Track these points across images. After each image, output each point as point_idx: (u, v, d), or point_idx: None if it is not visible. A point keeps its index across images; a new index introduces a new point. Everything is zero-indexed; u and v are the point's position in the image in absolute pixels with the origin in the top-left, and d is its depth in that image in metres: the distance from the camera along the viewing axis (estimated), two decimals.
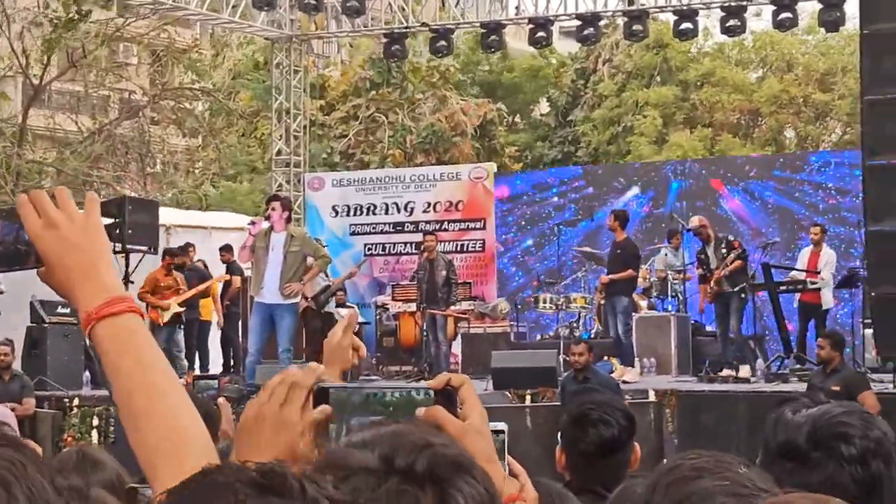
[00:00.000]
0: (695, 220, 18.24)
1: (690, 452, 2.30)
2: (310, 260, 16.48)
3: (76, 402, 15.96)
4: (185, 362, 19.11)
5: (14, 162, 33.64)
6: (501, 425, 2.55)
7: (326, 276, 19.66)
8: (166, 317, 18.48)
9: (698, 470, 2.11)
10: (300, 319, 17.80)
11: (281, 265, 15.69)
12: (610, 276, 18.03)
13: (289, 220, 16.09)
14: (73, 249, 2.13)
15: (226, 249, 20.79)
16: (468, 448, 2.15)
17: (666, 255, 20.80)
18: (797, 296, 18.66)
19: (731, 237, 17.99)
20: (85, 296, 2.12)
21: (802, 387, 14.16)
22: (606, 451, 4.57)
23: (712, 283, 17.47)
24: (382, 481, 1.69)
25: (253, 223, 16.18)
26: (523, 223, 25.44)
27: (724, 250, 17.36)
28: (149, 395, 2.05)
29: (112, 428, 14.83)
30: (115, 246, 14.57)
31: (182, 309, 18.81)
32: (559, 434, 4.80)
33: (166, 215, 22.34)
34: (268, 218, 15.95)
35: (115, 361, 2.08)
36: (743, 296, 17.48)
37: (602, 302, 19.60)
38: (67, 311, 17.59)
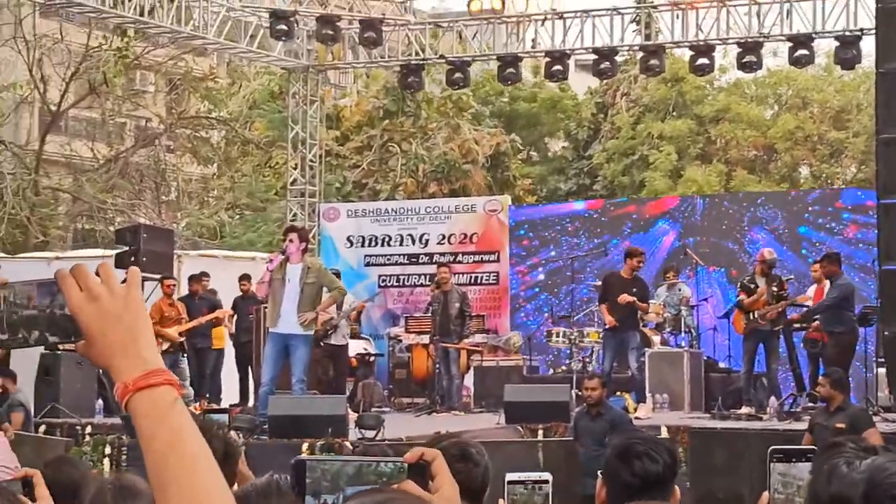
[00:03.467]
0: (768, 253, 18.10)
1: None
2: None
3: (88, 429, 15.96)
4: (190, 391, 19.11)
5: (30, 187, 33.76)
6: (546, 475, 2.56)
7: (338, 308, 19.64)
8: (165, 345, 18.51)
9: None
10: None
11: (298, 296, 15.65)
12: (635, 299, 17.88)
13: (305, 251, 16.06)
14: (114, 322, 2.15)
15: (244, 279, 20.80)
16: None
17: (666, 290, 20.73)
18: (803, 335, 18.65)
19: (783, 277, 17.88)
20: (123, 368, 2.15)
21: None
22: (650, 485, 4.56)
23: (758, 314, 17.31)
24: None
25: (270, 261, 16.13)
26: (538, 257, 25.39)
27: (774, 288, 17.24)
28: (181, 468, 2.07)
29: (124, 456, 14.82)
30: None
31: (182, 338, 18.83)
32: (600, 472, 4.79)
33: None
34: (283, 252, 15.92)
35: (150, 432, 2.11)
36: (778, 336, 17.43)
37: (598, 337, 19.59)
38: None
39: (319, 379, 19.35)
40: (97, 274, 2.19)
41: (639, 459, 4.56)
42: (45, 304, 2.18)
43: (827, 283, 18.45)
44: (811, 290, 18.91)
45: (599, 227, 24.85)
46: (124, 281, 2.20)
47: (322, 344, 19.48)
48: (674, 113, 41.50)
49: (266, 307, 16.86)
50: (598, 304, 19.31)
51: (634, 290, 18.07)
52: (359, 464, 2.27)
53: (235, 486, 6.52)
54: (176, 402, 2.15)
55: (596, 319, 20.81)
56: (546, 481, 2.52)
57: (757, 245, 22.33)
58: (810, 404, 16.94)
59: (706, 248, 23.37)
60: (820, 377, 14.51)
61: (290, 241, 15.88)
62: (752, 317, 17.28)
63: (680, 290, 20.53)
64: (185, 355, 19.11)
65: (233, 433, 7.73)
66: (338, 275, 19.90)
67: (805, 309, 18.14)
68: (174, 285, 19.30)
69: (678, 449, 14.77)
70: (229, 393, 20.39)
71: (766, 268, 17.65)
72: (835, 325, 17.04)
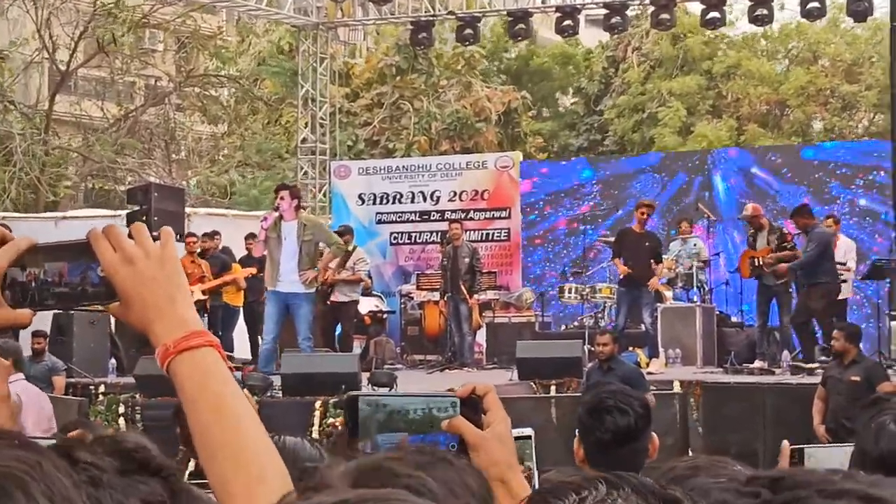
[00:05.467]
0: (749, 209, 17.99)
1: (684, 457, 2.30)
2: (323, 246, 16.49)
3: (102, 388, 16.01)
4: None
5: (40, 148, 33.76)
6: (528, 431, 2.58)
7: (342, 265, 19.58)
8: None
9: (694, 469, 2.12)
10: None
11: (297, 255, 15.67)
12: (657, 279, 18.03)
13: (298, 207, 16.03)
14: (150, 284, 2.13)
15: (250, 237, 20.80)
16: (489, 456, 2.24)
17: (680, 244, 20.71)
18: None
19: (785, 229, 17.75)
20: (163, 330, 2.12)
21: None
22: (622, 439, 4.58)
23: (757, 260, 17.20)
24: None
25: (265, 219, 16.14)
26: (548, 212, 25.44)
27: (776, 240, 17.16)
28: (225, 429, 2.06)
29: (138, 416, 14.86)
30: None
31: (206, 297, 18.80)
32: (578, 427, 4.82)
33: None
34: (277, 209, 15.92)
35: (193, 395, 2.09)
36: (790, 290, 17.33)
37: (610, 292, 19.60)
38: None
39: (325, 337, 19.38)
40: (130, 235, 2.16)
41: (609, 414, 4.59)
42: (77, 281, 2.15)
43: (841, 237, 18.46)
44: None
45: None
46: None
47: (329, 302, 19.50)
48: (684, 69, 41.36)
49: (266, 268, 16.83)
50: (611, 259, 19.29)
51: (647, 244, 18.11)
52: (409, 409, 2.28)
53: None
54: (218, 364, 2.12)
55: (608, 275, 20.81)
56: (529, 436, 2.53)
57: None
58: (823, 358, 16.92)
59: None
60: (834, 331, 14.46)
61: (282, 198, 15.87)
62: (756, 262, 17.19)
63: (695, 244, 20.48)
64: (206, 314, 19.07)
65: (246, 391, 7.66)
66: (345, 231, 19.93)
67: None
68: (197, 242, 19.27)
69: (690, 402, 14.81)
70: (240, 352, 20.41)
71: (753, 223, 17.61)
72: (819, 276, 16.85)
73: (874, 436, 2.55)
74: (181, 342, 2.10)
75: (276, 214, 15.83)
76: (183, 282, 2.18)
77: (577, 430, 4.79)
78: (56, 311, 2.17)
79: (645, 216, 18.42)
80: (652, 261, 18.25)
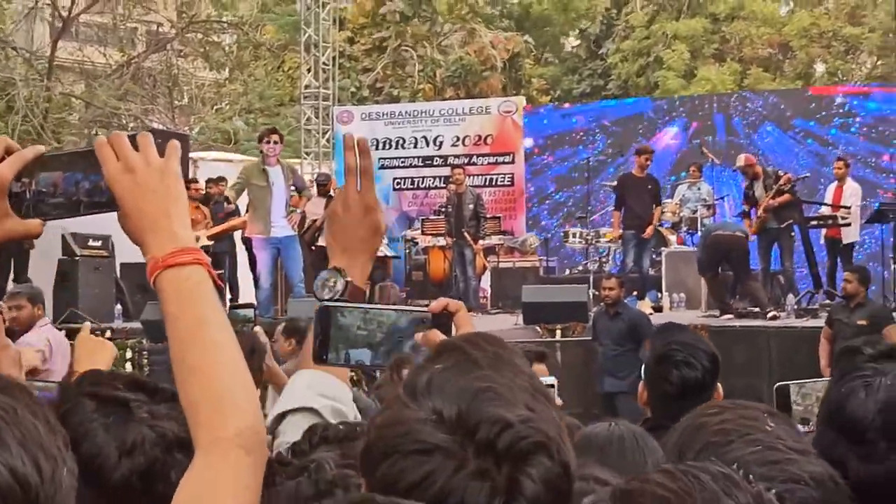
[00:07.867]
0: (741, 159, 17.95)
1: (712, 407, 2.29)
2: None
3: (108, 334, 15.91)
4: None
5: (43, 94, 33.64)
6: (551, 380, 2.62)
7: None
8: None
9: (725, 433, 2.10)
10: None
11: (284, 199, 15.84)
12: (653, 227, 18.06)
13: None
14: (147, 195, 2.10)
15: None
16: None
17: (687, 188, 20.72)
18: (823, 231, 18.60)
19: (780, 171, 17.70)
20: (154, 243, 2.09)
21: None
22: (688, 393, 4.56)
23: (760, 211, 17.19)
24: (461, 466, 1.72)
25: None
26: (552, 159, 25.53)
27: (772, 183, 17.13)
28: (203, 351, 2.01)
29: (146, 360, 14.88)
30: None
31: (211, 243, 18.77)
32: (642, 370, 4.82)
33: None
34: (262, 153, 15.97)
35: (175, 312, 2.05)
36: (791, 234, 17.31)
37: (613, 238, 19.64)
38: (98, 244, 17.67)
39: None
40: (135, 145, 2.14)
41: (677, 368, 4.57)
42: (72, 191, 2.14)
43: (848, 181, 18.47)
44: (831, 189, 18.85)
45: None
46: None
47: (313, 248, 19.49)
48: (688, 11, 41.19)
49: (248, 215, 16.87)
50: (613, 209, 19.25)
51: (649, 187, 18.14)
52: (392, 318, 2.35)
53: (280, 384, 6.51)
54: (204, 284, 2.08)
55: (612, 220, 20.84)
56: (552, 385, 2.58)
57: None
58: (827, 301, 16.94)
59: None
60: (846, 273, 14.48)
61: (275, 143, 15.91)
62: (758, 215, 17.22)
63: (700, 188, 20.47)
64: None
65: (258, 328, 7.72)
66: (325, 181, 20.02)
67: None
68: (200, 189, 19.21)
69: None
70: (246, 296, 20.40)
71: (747, 173, 17.61)
72: None
73: (842, 401, 2.47)
74: (169, 258, 2.07)
75: (257, 160, 15.92)
76: (182, 197, 2.15)
77: (642, 373, 4.80)
78: (59, 219, 2.14)
79: (647, 162, 18.45)
80: (654, 204, 18.34)
